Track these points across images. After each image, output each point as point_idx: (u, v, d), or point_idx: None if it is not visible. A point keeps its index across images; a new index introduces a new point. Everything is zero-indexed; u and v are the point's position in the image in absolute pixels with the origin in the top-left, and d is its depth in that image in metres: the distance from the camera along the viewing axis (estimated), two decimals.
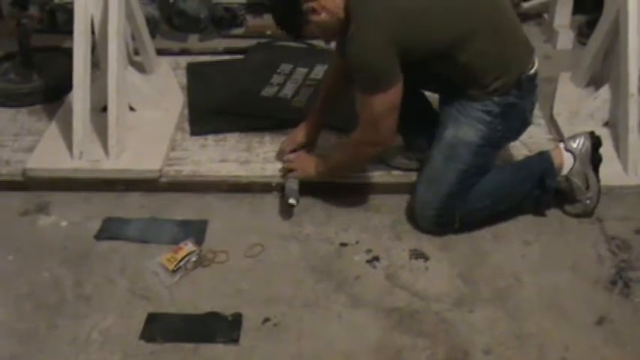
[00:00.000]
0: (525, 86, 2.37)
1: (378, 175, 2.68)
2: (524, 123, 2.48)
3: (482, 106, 2.33)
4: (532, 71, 2.39)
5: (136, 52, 3.23)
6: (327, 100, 2.68)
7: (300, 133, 2.69)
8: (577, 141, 2.50)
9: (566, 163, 2.48)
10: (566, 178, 2.48)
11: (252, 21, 3.97)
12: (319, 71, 3.32)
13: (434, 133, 2.47)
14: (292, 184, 2.54)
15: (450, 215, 2.41)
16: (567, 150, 2.49)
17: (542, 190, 2.47)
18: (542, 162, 2.49)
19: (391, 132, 2.32)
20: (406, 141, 2.70)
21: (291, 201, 2.49)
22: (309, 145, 2.70)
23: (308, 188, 2.56)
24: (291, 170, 2.59)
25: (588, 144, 2.49)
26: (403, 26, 2.19)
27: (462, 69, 2.29)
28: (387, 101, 2.22)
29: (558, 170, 2.48)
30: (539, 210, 2.54)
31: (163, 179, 2.69)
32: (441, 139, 2.40)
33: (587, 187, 2.49)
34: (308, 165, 2.57)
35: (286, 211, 2.56)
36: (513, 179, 2.48)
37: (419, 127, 2.64)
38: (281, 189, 2.63)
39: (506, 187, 2.46)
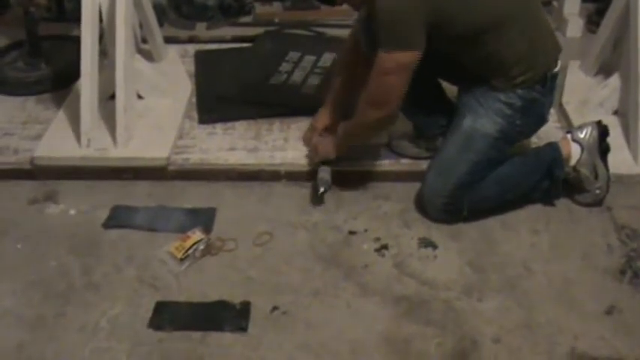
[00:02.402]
0: (549, 84, 2.37)
1: (387, 163, 2.68)
2: (542, 120, 2.48)
3: (504, 97, 2.33)
4: (556, 69, 2.39)
5: (144, 40, 3.22)
6: (346, 81, 2.63)
7: (319, 119, 2.68)
8: (584, 131, 2.49)
9: (574, 153, 2.47)
10: (575, 168, 2.47)
11: (260, 9, 3.96)
12: (327, 59, 3.31)
13: (447, 123, 2.47)
14: (324, 173, 2.52)
15: (459, 204, 2.40)
16: (574, 140, 2.48)
17: (550, 181, 2.46)
18: (551, 152, 2.48)
19: (397, 95, 2.26)
20: (417, 129, 2.70)
21: (322, 190, 2.47)
22: (331, 128, 2.64)
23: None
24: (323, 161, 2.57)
25: (595, 133, 2.48)
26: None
27: (491, 57, 2.28)
28: (401, 60, 2.18)
29: (566, 161, 2.47)
30: (548, 200, 2.53)
31: (171, 167, 2.69)
32: (457, 129, 2.39)
33: (596, 177, 2.48)
34: (326, 144, 2.56)
35: (315, 199, 2.55)
36: (522, 169, 2.47)
37: (432, 116, 2.63)
38: (292, 177, 2.64)
39: (514, 177, 2.45)
